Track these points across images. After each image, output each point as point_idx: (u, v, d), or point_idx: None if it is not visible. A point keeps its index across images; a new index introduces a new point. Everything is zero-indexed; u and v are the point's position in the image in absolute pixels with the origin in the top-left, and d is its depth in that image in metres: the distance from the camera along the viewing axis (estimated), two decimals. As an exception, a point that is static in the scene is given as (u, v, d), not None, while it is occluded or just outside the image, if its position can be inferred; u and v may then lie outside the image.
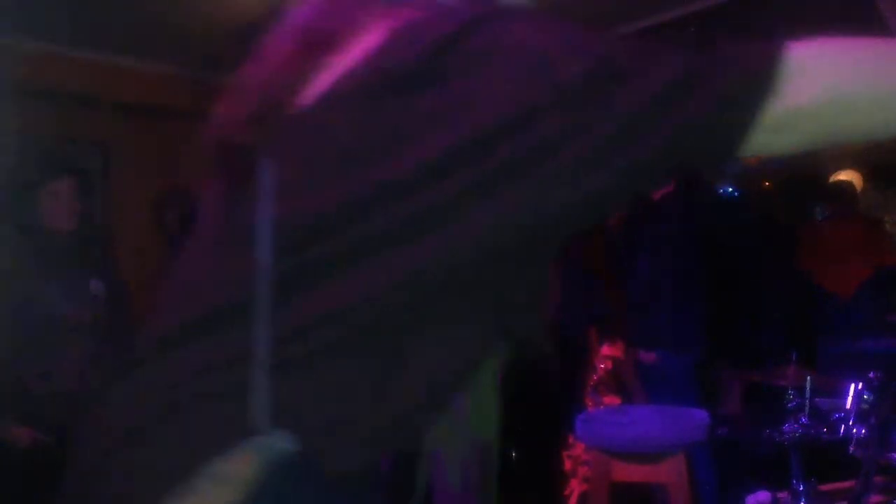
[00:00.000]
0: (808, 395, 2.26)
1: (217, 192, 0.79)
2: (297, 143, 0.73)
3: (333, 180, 0.70)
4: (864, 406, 2.04)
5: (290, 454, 0.62)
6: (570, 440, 3.55)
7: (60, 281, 2.72)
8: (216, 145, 0.79)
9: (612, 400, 3.55)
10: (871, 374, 2.05)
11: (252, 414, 0.63)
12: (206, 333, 0.69)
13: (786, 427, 2.25)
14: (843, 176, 7.29)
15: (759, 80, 0.65)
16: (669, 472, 2.62)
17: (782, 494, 2.28)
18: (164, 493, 0.62)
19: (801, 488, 2.22)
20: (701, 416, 2.71)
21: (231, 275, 0.70)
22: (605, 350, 3.75)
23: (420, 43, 0.71)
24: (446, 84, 0.68)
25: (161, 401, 0.68)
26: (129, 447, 0.68)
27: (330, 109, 0.73)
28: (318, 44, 0.76)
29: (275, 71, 0.77)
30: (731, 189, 4.98)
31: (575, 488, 3.43)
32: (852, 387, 2.08)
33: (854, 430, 2.02)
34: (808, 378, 2.29)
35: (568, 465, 3.56)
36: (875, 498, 2.05)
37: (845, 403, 2.09)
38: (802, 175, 8.09)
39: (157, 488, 0.63)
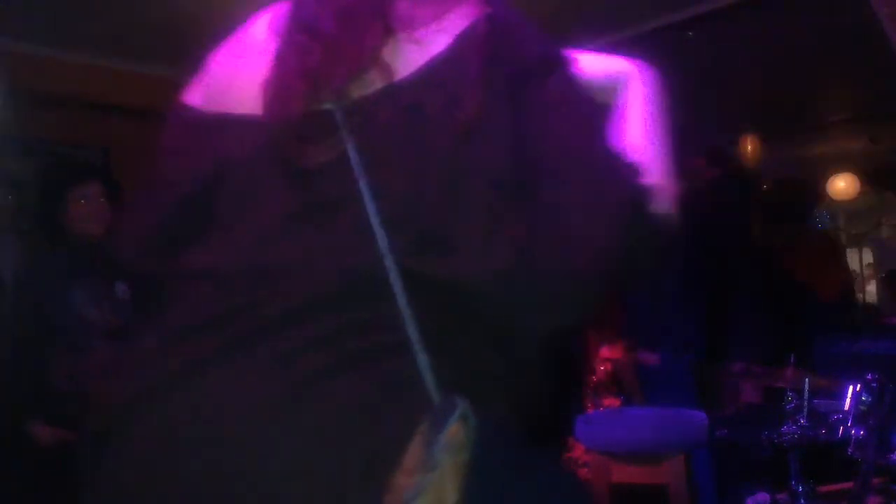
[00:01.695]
0: (806, 396, 2.26)
1: (281, 166, 0.76)
2: (395, 118, 0.74)
3: (429, 159, 0.73)
4: (863, 408, 2.04)
5: (478, 421, 0.66)
6: (570, 442, 3.55)
7: (87, 285, 2.77)
8: (290, 117, 0.77)
9: (611, 402, 3.55)
10: (869, 376, 2.06)
11: (418, 373, 0.67)
12: (344, 301, 0.70)
13: (784, 429, 2.26)
14: (841, 180, 7.31)
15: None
16: (669, 474, 2.62)
17: (781, 496, 2.29)
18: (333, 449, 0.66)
19: (800, 490, 2.23)
20: (700, 418, 2.72)
21: (343, 246, 0.72)
22: (605, 352, 3.75)
23: (511, 50, 0.76)
24: (522, 111, 0.74)
25: (307, 367, 0.68)
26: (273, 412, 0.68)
27: (430, 88, 0.75)
28: (398, 19, 0.79)
29: (354, 42, 0.78)
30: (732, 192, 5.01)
31: (575, 490, 3.43)
32: (850, 388, 2.09)
33: (852, 432, 2.03)
34: (807, 380, 2.29)
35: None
36: (873, 499, 2.06)
37: (844, 405, 2.09)
38: (798, 180, 8.11)
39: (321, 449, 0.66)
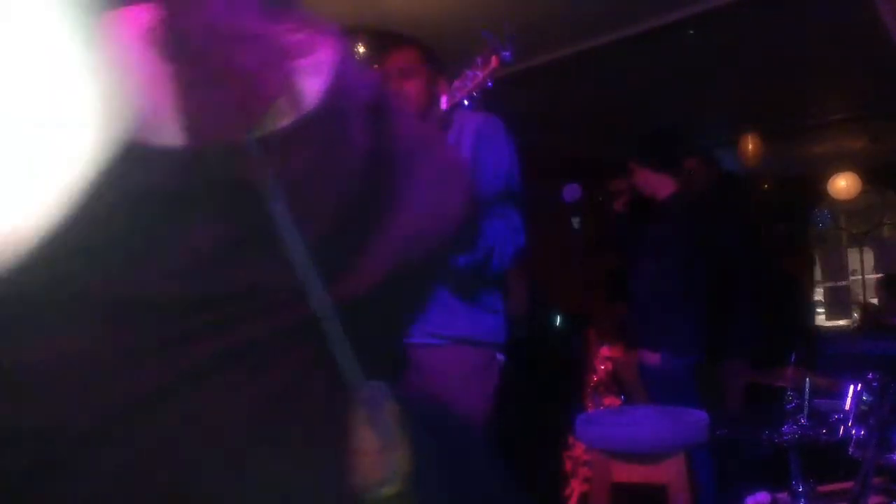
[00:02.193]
0: (807, 396, 2.27)
1: (204, 196, 0.79)
2: (310, 150, 0.80)
3: (342, 187, 0.80)
4: (863, 407, 2.04)
5: (401, 399, 0.77)
6: (570, 441, 3.56)
7: None
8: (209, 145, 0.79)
9: (612, 401, 3.56)
10: (870, 376, 2.06)
11: (344, 362, 0.77)
12: (288, 318, 0.77)
13: (785, 428, 2.26)
14: (842, 179, 7.32)
15: None
16: (669, 473, 2.62)
17: (781, 495, 2.29)
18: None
19: (801, 489, 2.23)
20: (701, 416, 2.72)
21: (278, 271, 0.77)
22: (605, 351, 3.76)
23: (366, 78, 0.88)
24: (381, 133, 0.86)
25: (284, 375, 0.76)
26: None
27: (333, 119, 0.81)
28: (288, 49, 0.83)
29: (271, 73, 0.81)
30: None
31: (575, 489, 3.44)
32: (851, 388, 2.09)
33: (853, 432, 2.03)
34: (807, 379, 2.30)
35: (568, 465, 3.57)
36: (874, 499, 2.06)
37: (844, 404, 2.10)
38: (802, 178, 8.11)
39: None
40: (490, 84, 1.89)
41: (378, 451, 0.75)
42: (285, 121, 0.79)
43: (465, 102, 1.94)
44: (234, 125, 0.77)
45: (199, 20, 0.81)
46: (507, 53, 1.82)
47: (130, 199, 0.76)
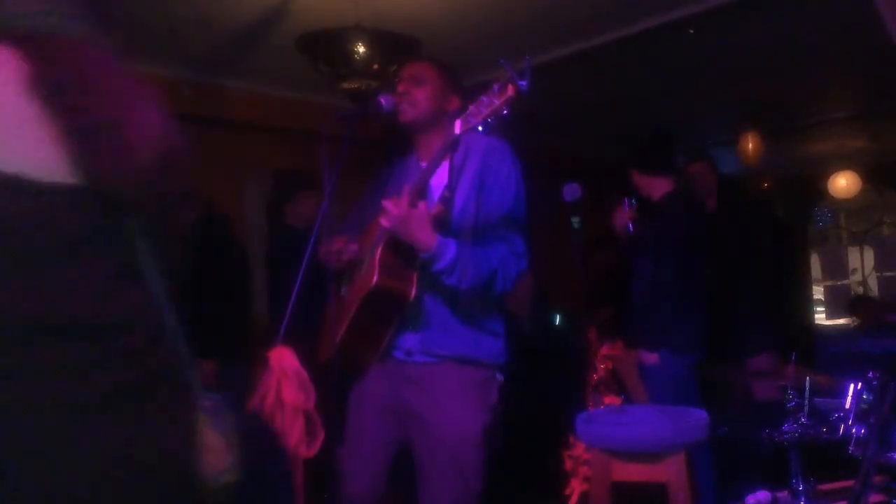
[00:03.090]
0: (807, 394, 2.27)
1: (86, 232, 0.88)
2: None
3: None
4: (864, 406, 2.04)
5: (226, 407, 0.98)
6: (571, 440, 3.56)
7: None
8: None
9: (612, 400, 3.56)
10: (870, 374, 2.06)
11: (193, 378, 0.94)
12: (155, 341, 0.89)
13: (785, 427, 2.26)
14: (842, 177, 7.32)
15: None
16: (670, 472, 2.63)
17: (782, 494, 2.30)
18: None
19: (801, 488, 2.23)
20: (701, 415, 2.73)
21: (147, 302, 0.89)
22: (606, 350, 3.76)
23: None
24: None
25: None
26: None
27: (173, 144, 0.93)
28: (141, 93, 0.95)
29: (150, 117, 0.93)
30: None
31: (576, 488, 3.44)
32: (851, 386, 2.09)
33: (853, 430, 2.03)
34: (808, 378, 2.30)
35: (568, 464, 3.57)
36: (874, 497, 2.06)
37: (845, 403, 2.10)
38: (802, 177, 8.11)
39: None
40: (506, 112, 1.89)
41: (222, 448, 0.95)
42: (152, 160, 0.88)
43: (480, 129, 1.94)
44: (126, 170, 0.85)
45: (73, 73, 0.86)
46: (524, 83, 1.83)
47: (27, 231, 0.81)
